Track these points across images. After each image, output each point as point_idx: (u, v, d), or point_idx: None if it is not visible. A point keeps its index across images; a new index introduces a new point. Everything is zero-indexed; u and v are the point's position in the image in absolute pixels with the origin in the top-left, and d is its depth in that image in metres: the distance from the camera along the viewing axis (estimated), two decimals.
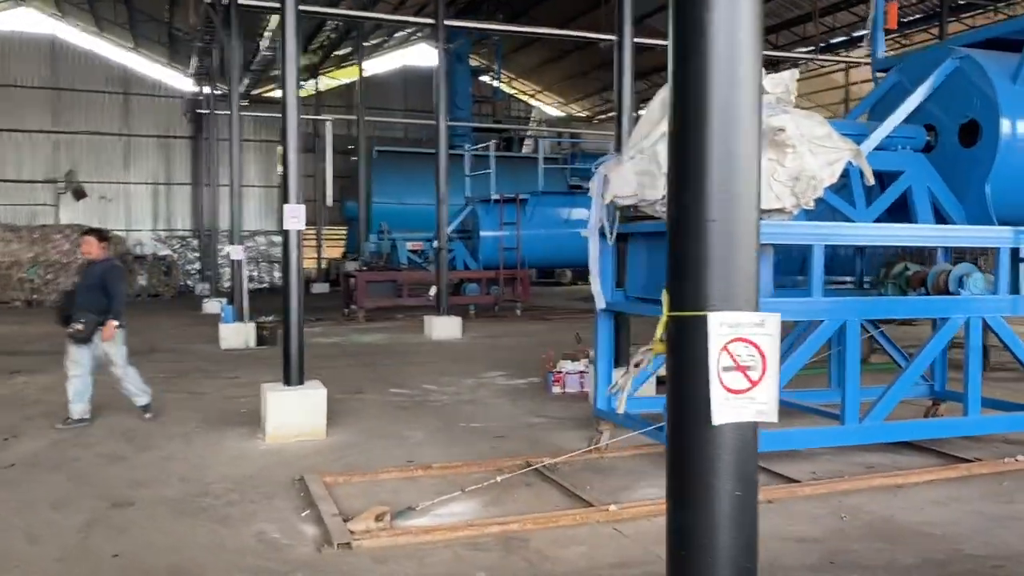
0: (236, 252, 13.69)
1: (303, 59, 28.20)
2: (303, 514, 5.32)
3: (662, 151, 5.73)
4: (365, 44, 26.70)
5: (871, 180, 5.86)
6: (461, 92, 25.78)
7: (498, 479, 5.55)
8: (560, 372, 9.53)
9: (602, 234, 6.18)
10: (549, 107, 41.23)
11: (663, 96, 6.02)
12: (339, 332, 15.74)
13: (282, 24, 7.32)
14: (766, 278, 5.89)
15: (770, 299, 5.84)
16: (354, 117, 29.25)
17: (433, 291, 15.35)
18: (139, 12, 29.56)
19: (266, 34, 22.50)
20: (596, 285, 6.15)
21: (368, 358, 12.49)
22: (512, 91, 39.39)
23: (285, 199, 7.32)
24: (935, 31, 21.75)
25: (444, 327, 14.51)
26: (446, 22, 14.18)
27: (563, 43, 32.25)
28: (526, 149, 31.21)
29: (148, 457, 6.78)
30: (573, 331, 15.62)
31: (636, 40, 19.24)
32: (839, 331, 5.88)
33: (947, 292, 6.34)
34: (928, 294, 6.49)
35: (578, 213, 20.53)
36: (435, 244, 17.30)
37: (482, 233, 19.14)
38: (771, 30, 25.93)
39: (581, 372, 9.50)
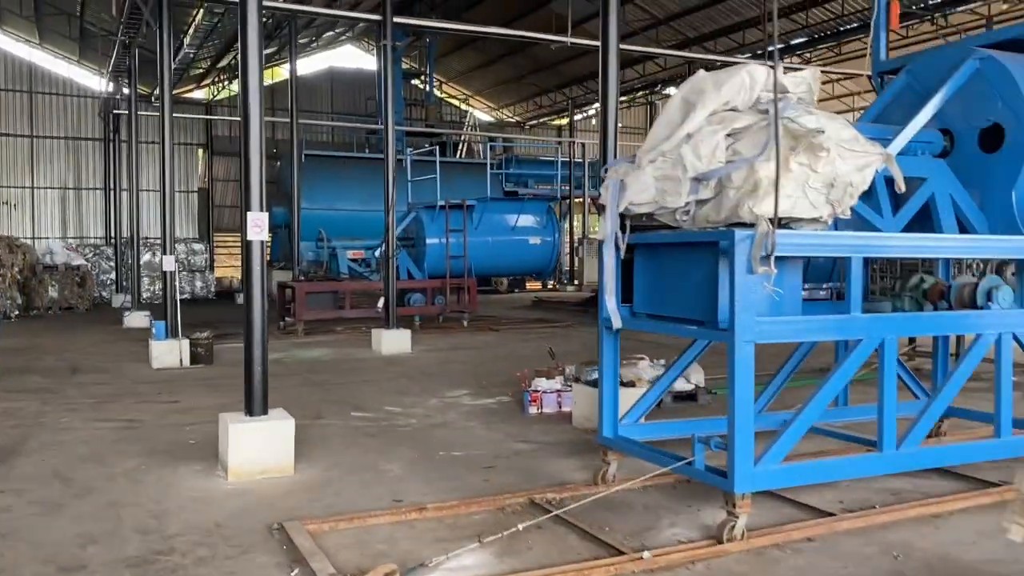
0: (168, 263, 12.61)
1: (225, 60, 26.91)
2: (292, 573, 4.58)
3: (688, 154, 5.20)
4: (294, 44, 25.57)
5: (903, 187, 5.45)
6: (395, 95, 24.96)
7: (520, 527, 4.90)
8: (536, 391, 8.91)
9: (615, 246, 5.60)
10: (479, 112, 40.67)
11: (683, 95, 5.49)
12: (278, 347, 14.74)
13: (243, 12, 6.54)
14: (796, 293, 5.43)
15: (806, 316, 5.37)
16: (278, 119, 28.11)
17: (382, 303, 14.53)
18: (46, 4, 27.81)
19: (190, 31, 21.33)
20: (611, 303, 5.54)
21: (317, 376, 11.64)
22: (442, 95, 38.66)
23: (247, 206, 6.52)
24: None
25: (394, 341, 13.71)
26: (395, 19, 13.42)
27: (495, 47, 31.76)
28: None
29: (93, 504, 5.87)
30: (526, 342, 15.12)
31: (575, 41, 18.88)
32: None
33: (972, 306, 5.99)
34: (950, 308, 6.14)
35: (524, 220, 20.01)
36: (378, 252, 16.50)
37: (428, 241, 18.35)
38: (708, 37, 25.95)
39: (558, 391, 8.91)
